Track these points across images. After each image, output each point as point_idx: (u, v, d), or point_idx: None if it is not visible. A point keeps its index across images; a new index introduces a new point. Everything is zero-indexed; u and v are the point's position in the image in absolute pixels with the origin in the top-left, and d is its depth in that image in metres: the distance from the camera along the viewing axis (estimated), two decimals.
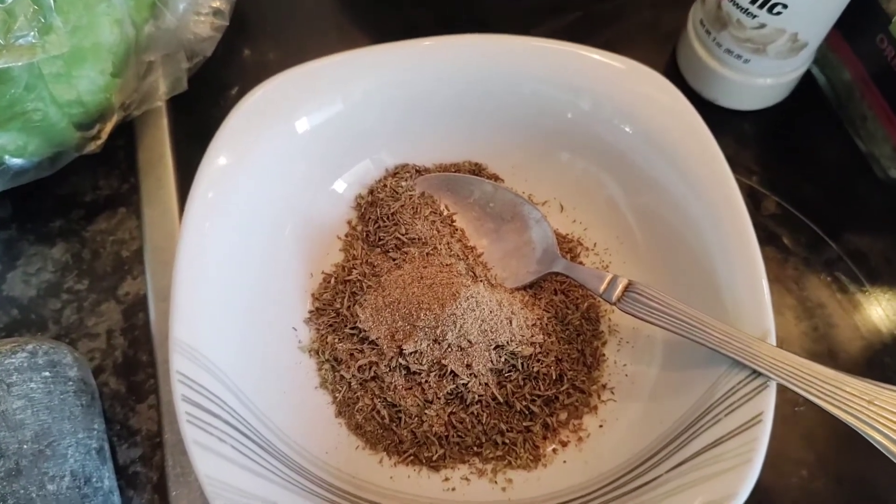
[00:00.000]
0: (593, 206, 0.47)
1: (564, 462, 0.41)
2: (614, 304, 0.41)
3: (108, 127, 0.45)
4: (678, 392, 0.40)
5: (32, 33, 0.37)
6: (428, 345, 0.41)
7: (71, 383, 0.38)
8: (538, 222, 0.45)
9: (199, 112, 0.53)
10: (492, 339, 0.41)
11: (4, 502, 0.34)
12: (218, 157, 0.40)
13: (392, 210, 0.45)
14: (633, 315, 0.40)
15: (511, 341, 0.41)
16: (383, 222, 0.46)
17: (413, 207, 0.46)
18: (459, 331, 0.41)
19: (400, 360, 0.42)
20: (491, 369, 0.41)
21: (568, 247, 0.46)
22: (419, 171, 0.48)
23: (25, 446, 0.35)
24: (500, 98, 0.45)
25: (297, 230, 0.45)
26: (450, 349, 0.41)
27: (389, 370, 0.42)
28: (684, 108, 0.42)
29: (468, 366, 0.41)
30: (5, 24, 0.36)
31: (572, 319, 0.44)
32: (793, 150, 0.53)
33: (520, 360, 0.41)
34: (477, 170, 0.48)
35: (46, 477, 0.35)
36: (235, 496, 0.34)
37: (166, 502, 0.41)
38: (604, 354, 0.44)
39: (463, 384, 0.41)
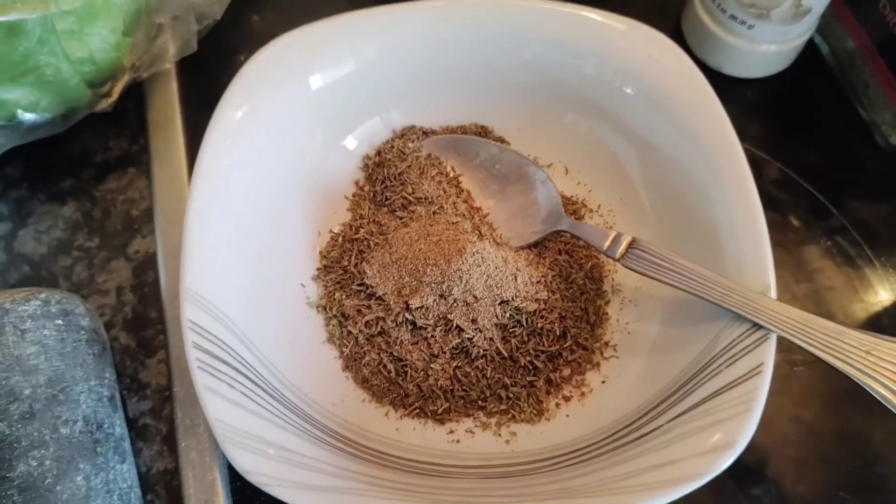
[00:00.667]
0: (598, 167, 0.47)
1: (567, 416, 0.42)
2: (618, 260, 0.41)
3: (120, 86, 0.46)
4: (679, 348, 0.41)
5: None
6: (434, 300, 0.42)
7: (83, 332, 0.38)
8: (543, 183, 0.46)
9: (207, 76, 0.53)
10: (497, 295, 0.42)
11: (19, 444, 0.35)
12: (232, 108, 0.41)
13: (399, 170, 0.46)
14: (636, 271, 0.41)
15: (516, 297, 0.42)
16: (390, 182, 0.46)
17: (420, 168, 0.46)
18: (465, 286, 0.41)
19: (406, 315, 0.42)
20: (496, 324, 0.42)
21: (572, 208, 0.47)
22: (426, 133, 0.48)
23: (39, 390, 0.36)
24: (504, 59, 0.46)
25: (306, 188, 0.45)
26: (455, 304, 0.42)
27: (396, 325, 0.42)
28: (687, 68, 0.43)
29: (473, 321, 0.42)
30: None
31: (576, 279, 0.44)
32: (795, 118, 0.54)
33: (524, 316, 0.42)
34: (483, 132, 0.49)
35: (59, 421, 0.36)
36: (245, 440, 0.35)
37: (175, 453, 0.42)
38: (607, 313, 0.45)
39: (468, 339, 0.42)
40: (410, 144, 0.47)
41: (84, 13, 0.41)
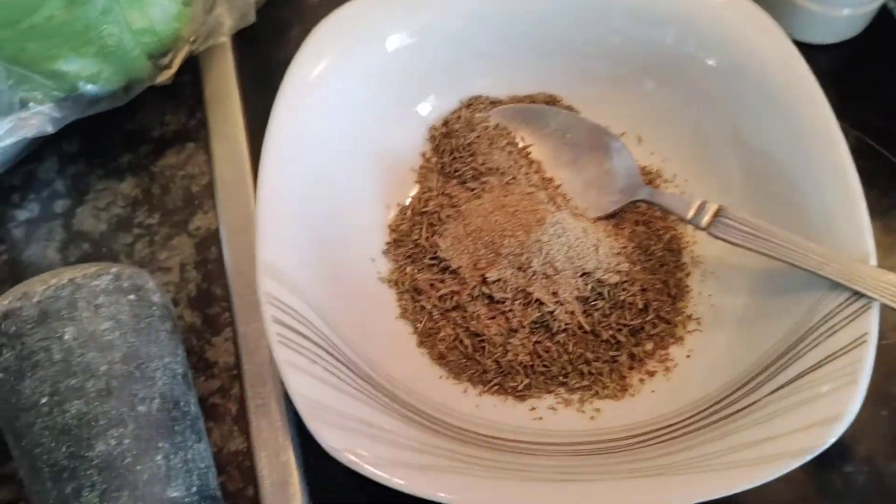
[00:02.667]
0: (675, 136, 0.46)
1: (653, 391, 0.40)
2: (704, 229, 0.40)
3: (179, 58, 0.45)
4: (770, 319, 0.39)
5: None
6: (512, 272, 0.40)
7: (155, 308, 0.37)
8: (619, 151, 0.44)
9: (262, 50, 0.52)
10: (578, 267, 0.40)
11: (97, 422, 0.33)
12: (305, 68, 0.40)
13: (468, 140, 0.45)
14: (724, 240, 0.39)
15: (598, 269, 0.40)
16: (459, 153, 0.45)
17: (489, 138, 0.45)
18: (545, 258, 0.40)
19: (483, 288, 0.41)
20: (577, 297, 0.40)
21: (647, 178, 0.45)
22: (493, 103, 0.47)
23: (115, 367, 0.34)
24: (584, 29, 0.45)
25: (375, 158, 0.44)
26: (535, 277, 0.40)
27: (472, 299, 0.41)
28: (775, 37, 0.41)
29: (554, 293, 0.40)
30: None
31: (655, 250, 0.43)
32: (870, 85, 0.52)
33: (606, 289, 0.41)
34: (552, 101, 0.47)
35: (136, 398, 0.34)
36: (330, 416, 0.34)
37: (247, 433, 0.40)
38: (688, 286, 0.43)
39: (549, 312, 0.40)
40: (478, 114, 0.46)
41: None
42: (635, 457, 0.36)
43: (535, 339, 0.40)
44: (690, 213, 0.40)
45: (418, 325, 0.42)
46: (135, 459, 0.33)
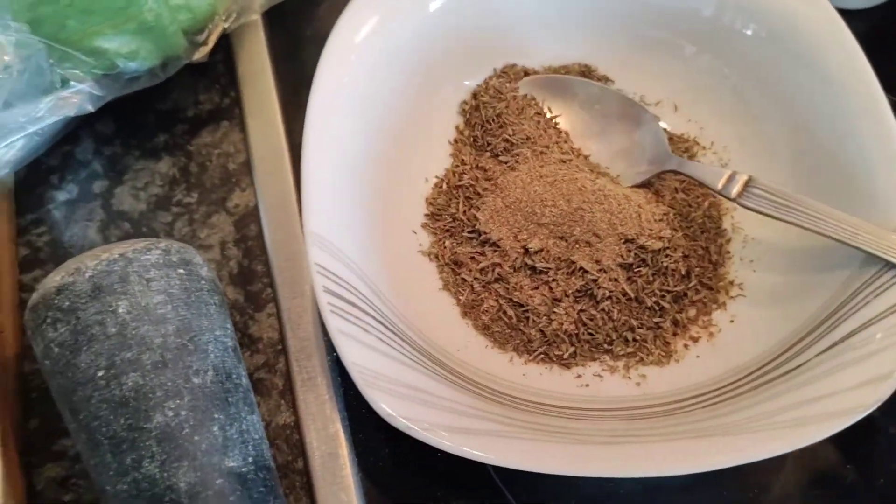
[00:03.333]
0: (712, 102, 0.46)
1: (698, 357, 0.40)
2: (734, 199, 0.39)
3: (215, 35, 0.45)
4: (815, 282, 0.39)
5: None
6: (554, 241, 0.40)
7: (203, 282, 0.37)
8: (648, 122, 0.44)
9: (292, 27, 0.52)
10: (621, 234, 0.40)
11: (154, 394, 0.34)
12: (348, 32, 0.40)
13: (497, 111, 0.45)
14: (754, 210, 0.39)
15: (640, 235, 0.40)
16: (489, 125, 0.45)
17: (518, 108, 0.45)
18: (587, 225, 0.40)
19: (525, 259, 0.41)
20: (620, 265, 0.40)
21: (684, 146, 0.45)
22: (526, 73, 0.47)
23: (169, 340, 0.35)
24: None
25: (414, 129, 0.44)
26: (577, 245, 0.40)
27: (514, 271, 0.41)
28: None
29: (597, 261, 0.40)
30: None
31: (695, 217, 0.43)
32: None
33: (649, 255, 0.41)
34: (587, 72, 0.47)
35: (191, 370, 0.35)
36: (385, 383, 0.34)
37: (294, 407, 0.41)
38: (729, 252, 0.43)
39: (592, 280, 0.40)
40: (508, 84, 0.46)
41: None
42: (683, 420, 0.36)
43: (579, 308, 0.40)
44: (720, 184, 0.40)
45: (461, 297, 0.42)
46: (192, 430, 0.34)
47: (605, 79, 0.47)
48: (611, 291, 0.40)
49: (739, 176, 0.40)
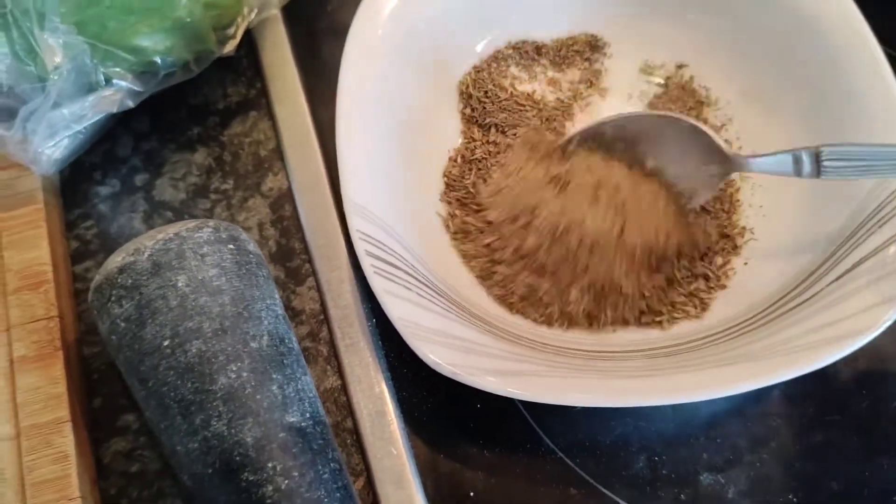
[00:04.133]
0: (715, 62, 0.48)
1: (717, 300, 0.43)
2: (817, 177, 0.39)
3: (242, 28, 0.47)
4: (822, 218, 0.42)
5: None
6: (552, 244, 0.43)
7: (252, 255, 0.40)
8: (690, 132, 0.43)
9: (309, 20, 0.55)
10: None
11: (216, 359, 0.36)
12: (371, 12, 0.43)
13: (486, 91, 0.48)
14: (840, 178, 0.39)
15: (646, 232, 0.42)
16: (485, 104, 0.48)
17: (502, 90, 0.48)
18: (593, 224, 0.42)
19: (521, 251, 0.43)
20: (633, 255, 0.42)
21: (691, 103, 0.48)
22: (538, 48, 0.49)
23: (226, 309, 0.37)
24: None
25: (433, 104, 0.47)
26: (581, 245, 0.42)
27: (516, 259, 0.43)
28: None
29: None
30: None
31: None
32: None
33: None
34: (593, 41, 0.50)
35: (248, 336, 0.37)
36: (430, 335, 0.37)
37: (340, 371, 0.43)
38: (738, 199, 0.46)
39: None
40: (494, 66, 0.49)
41: None
42: (707, 353, 0.39)
43: (595, 292, 0.42)
44: (794, 170, 0.39)
45: (473, 268, 0.44)
46: (254, 390, 0.36)
47: (607, 46, 0.50)
48: (628, 280, 0.42)
49: (808, 152, 0.38)
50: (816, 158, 0.38)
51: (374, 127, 0.42)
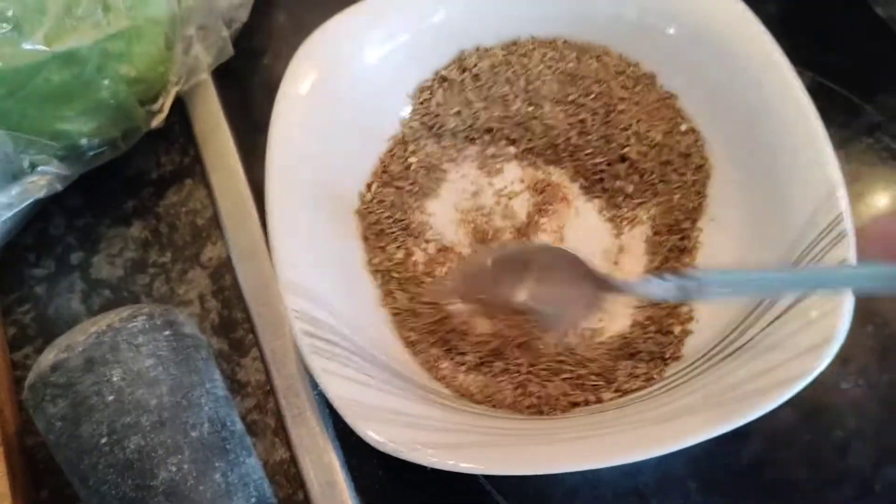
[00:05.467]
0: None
1: None
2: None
3: (169, 100, 0.47)
4: (753, 265, 0.42)
5: (98, 11, 0.38)
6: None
7: (189, 339, 0.40)
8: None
9: (240, 80, 0.54)
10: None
11: (156, 452, 0.36)
12: (293, 90, 0.42)
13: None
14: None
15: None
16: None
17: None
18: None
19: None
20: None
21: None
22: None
23: (164, 399, 0.37)
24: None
25: (365, 166, 0.47)
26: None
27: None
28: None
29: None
30: (72, 5, 0.38)
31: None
32: (815, 25, 0.55)
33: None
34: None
35: (188, 425, 0.37)
36: (369, 411, 0.36)
37: (287, 442, 0.43)
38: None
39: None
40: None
41: (131, 34, 0.42)
42: (648, 406, 0.39)
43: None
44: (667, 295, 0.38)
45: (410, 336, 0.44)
46: (196, 481, 0.36)
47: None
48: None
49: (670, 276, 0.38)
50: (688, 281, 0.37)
51: (306, 200, 0.42)
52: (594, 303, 0.42)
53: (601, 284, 0.40)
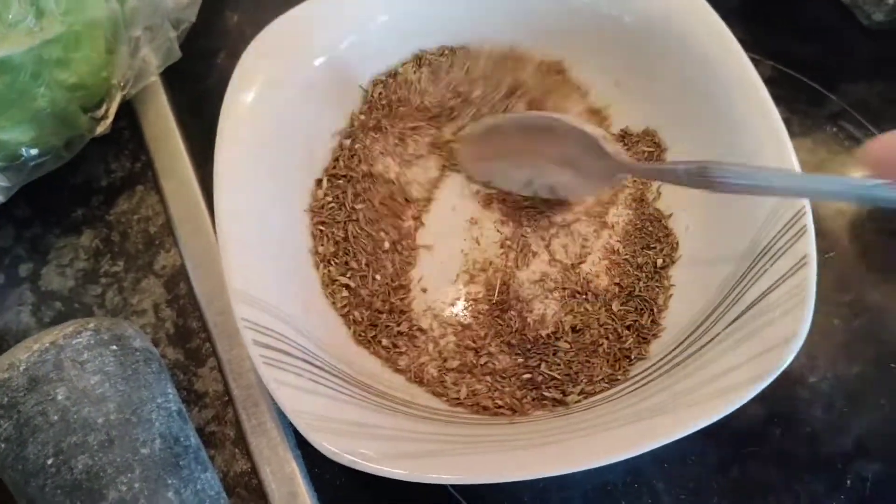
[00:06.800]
0: (602, 88, 0.48)
1: None
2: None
3: (114, 106, 0.45)
4: (713, 261, 0.42)
5: (30, 17, 0.37)
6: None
7: (138, 353, 0.38)
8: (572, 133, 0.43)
9: (193, 81, 0.53)
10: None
11: (105, 472, 0.35)
12: (239, 97, 0.41)
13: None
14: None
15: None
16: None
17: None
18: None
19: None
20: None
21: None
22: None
23: (112, 417, 0.36)
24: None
25: (313, 171, 0.46)
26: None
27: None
28: None
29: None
30: (1, 11, 0.36)
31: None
32: (778, 14, 0.55)
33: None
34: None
35: (138, 442, 0.36)
36: (324, 423, 0.35)
37: (247, 453, 0.42)
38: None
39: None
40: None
41: (69, 39, 0.40)
42: (611, 409, 0.38)
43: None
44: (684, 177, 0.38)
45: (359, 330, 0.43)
46: (148, 500, 0.35)
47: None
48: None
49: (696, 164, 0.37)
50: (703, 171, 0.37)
51: (255, 207, 0.40)
52: (604, 178, 0.43)
53: (614, 164, 0.41)
